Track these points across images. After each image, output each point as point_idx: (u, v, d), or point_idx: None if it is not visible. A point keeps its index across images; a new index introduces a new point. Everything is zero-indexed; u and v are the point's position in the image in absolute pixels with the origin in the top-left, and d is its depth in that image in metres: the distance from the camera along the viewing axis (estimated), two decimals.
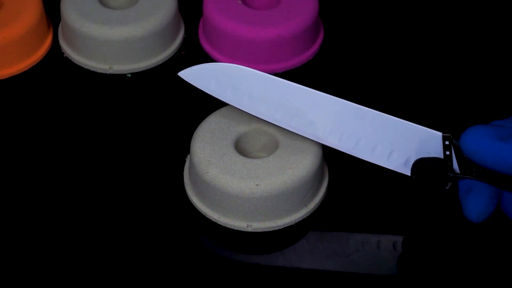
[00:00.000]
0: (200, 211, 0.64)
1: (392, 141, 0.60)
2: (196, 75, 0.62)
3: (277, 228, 0.63)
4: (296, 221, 0.63)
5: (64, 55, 0.76)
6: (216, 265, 0.61)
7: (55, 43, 0.77)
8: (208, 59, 0.76)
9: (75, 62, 0.75)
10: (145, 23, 0.73)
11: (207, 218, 0.63)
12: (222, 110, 0.66)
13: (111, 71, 0.74)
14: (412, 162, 0.59)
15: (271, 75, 0.61)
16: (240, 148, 0.65)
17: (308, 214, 0.63)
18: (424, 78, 0.75)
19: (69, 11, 0.74)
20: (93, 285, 0.60)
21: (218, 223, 0.63)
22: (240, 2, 0.75)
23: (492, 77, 0.75)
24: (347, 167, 0.67)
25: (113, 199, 0.65)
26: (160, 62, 0.75)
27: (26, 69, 0.74)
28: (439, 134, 0.59)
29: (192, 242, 0.62)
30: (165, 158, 0.67)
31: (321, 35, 0.78)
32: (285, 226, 0.63)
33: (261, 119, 0.65)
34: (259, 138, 0.66)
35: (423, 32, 0.80)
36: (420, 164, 0.59)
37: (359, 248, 0.62)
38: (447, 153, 0.59)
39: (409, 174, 0.60)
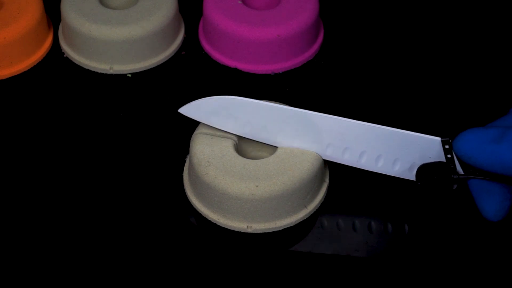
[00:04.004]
0: (199, 212, 0.64)
1: (394, 151, 0.61)
2: (195, 110, 0.64)
3: (277, 229, 0.63)
4: (296, 222, 0.63)
5: (64, 55, 0.76)
6: (215, 266, 0.61)
7: (55, 43, 0.77)
8: (208, 59, 0.76)
9: (75, 62, 0.75)
10: (145, 23, 0.73)
11: (206, 219, 0.63)
12: None
13: (111, 71, 0.74)
14: (416, 167, 0.60)
15: (265, 102, 0.63)
16: (240, 148, 0.65)
17: (308, 216, 0.64)
18: (424, 78, 0.75)
19: (69, 11, 0.74)
20: (93, 285, 0.60)
21: (218, 224, 0.63)
22: (240, 2, 0.75)
23: (490, 76, 0.75)
24: (347, 168, 0.67)
25: (113, 199, 0.65)
26: (160, 62, 0.75)
27: (26, 69, 0.74)
28: (439, 139, 0.60)
29: (191, 243, 0.62)
30: (165, 159, 0.67)
31: (321, 35, 0.78)
32: (285, 227, 0.63)
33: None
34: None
35: (423, 31, 0.80)
36: (424, 170, 0.59)
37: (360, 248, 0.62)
38: (449, 156, 0.59)
39: (414, 179, 0.61)
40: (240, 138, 0.65)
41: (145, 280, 0.60)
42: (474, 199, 0.59)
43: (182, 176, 0.66)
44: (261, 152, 0.66)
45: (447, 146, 0.59)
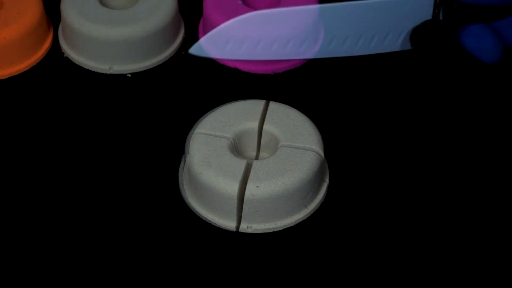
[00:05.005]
0: (196, 212, 0.63)
1: (381, 25, 0.61)
2: (207, 46, 0.61)
3: (277, 230, 0.63)
4: (296, 222, 0.63)
5: (64, 55, 0.76)
6: (215, 267, 0.61)
7: (55, 43, 0.77)
8: (208, 59, 0.76)
9: (75, 62, 0.75)
10: (145, 23, 0.73)
11: (203, 220, 0.63)
12: (220, 110, 0.66)
13: (111, 71, 0.74)
14: (404, 36, 0.61)
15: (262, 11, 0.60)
16: (237, 148, 0.65)
17: (308, 216, 0.64)
18: (424, 77, 0.75)
19: (69, 11, 0.74)
20: (89, 284, 0.60)
21: (215, 224, 0.63)
22: (240, 2, 0.75)
23: (492, 78, 0.75)
24: (347, 168, 0.67)
25: (111, 198, 0.65)
26: (160, 62, 0.75)
27: (26, 69, 0.74)
28: None
29: (190, 244, 0.62)
30: (164, 159, 0.67)
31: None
32: (285, 227, 0.63)
33: (260, 117, 0.65)
34: (257, 138, 0.66)
35: None
36: (416, 32, 0.60)
37: None
38: (437, 11, 0.60)
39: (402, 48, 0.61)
40: (237, 137, 0.65)
41: (141, 280, 0.60)
42: (472, 50, 0.61)
43: (182, 176, 0.66)
44: (259, 152, 0.66)
45: (438, 1, 0.60)
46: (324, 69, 0.76)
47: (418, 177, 0.67)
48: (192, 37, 0.78)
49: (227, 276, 0.60)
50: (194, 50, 0.61)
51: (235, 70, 0.75)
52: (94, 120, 0.70)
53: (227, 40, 0.60)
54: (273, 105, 0.66)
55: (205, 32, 0.77)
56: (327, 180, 0.66)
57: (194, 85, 0.74)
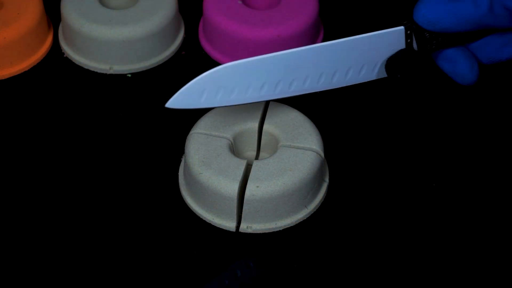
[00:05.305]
0: (196, 212, 0.63)
1: (355, 59, 0.62)
2: (182, 100, 0.62)
3: (277, 230, 0.63)
4: (296, 222, 0.63)
5: (64, 55, 0.76)
6: (215, 267, 0.61)
7: (55, 43, 0.77)
8: (208, 59, 0.76)
9: (75, 62, 0.75)
10: (145, 23, 0.73)
11: (203, 220, 0.63)
12: (220, 110, 0.66)
13: (111, 71, 0.74)
14: (379, 67, 0.62)
15: (238, 61, 0.61)
16: (235, 148, 0.65)
17: (308, 216, 0.64)
18: (423, 77, 0.75)
19: (69, 11, 0.74)
20: (85, 283, 0.60)
21: (216, 225, 0.63)
22: (240, 2, 0.75)
23: (493, 84, 0.75)
24: (347, 168, 0.67)
25: (110, 197, 0.65)
26: (160, 62, 0.75)
27: (26, 69, 0.74)
28: (393, 29, 0.61)
29: (190, 245, 0.62)
30: (164, 158, 0.67)
31: (321, 35, 0.78)
32: (285, 227, 0.63)
33: (260, 117, 0.65)
34: (255, 138, 0.66)
35: None
36: (391, 62, 0.61)
37: None
38: (409, 40, 0.61)
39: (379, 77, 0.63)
40: (237, 137, 0.65)
41: (141, 279, 0.60)
42: (448, 73, 0.62)
43: (182, 176, 0.66)
44: (259, 152, 0.66)
45: (409, 32, 0.60)
46: None
47: (418, 177, 0.67)
48: (192, 37, 0.78)
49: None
50: (170, 104, 0.62)
51: None
52: (94, 120, 0.70)
53: (202, 91, 0.61)
54: (273, 105, 0.66)
55: (205, 32, 0.77)
56: (327, 180, 0.66)
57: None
